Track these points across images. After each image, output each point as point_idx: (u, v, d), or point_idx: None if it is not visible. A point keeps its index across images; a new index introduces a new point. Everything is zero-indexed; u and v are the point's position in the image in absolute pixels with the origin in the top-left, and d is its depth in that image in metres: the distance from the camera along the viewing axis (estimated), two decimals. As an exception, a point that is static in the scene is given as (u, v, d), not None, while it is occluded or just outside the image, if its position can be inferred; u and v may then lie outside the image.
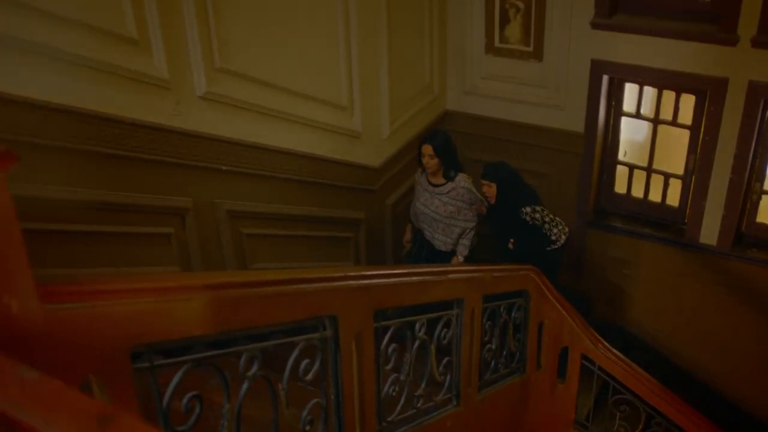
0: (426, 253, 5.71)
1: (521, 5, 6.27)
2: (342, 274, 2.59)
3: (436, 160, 5.24)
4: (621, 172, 6.70)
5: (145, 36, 3.47)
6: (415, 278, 3.23)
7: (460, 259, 5.59)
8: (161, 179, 3.78)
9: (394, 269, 3.51)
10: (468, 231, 5.54)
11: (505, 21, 6.38)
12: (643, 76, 6.12)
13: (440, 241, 5.57)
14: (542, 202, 5.43)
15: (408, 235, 5.94)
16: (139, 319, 1.75)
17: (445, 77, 6.75)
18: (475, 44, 6.60)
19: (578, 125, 6.42)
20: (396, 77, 5.78)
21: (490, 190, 5.25)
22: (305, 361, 2.53)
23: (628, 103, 6.40)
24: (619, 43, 5.98)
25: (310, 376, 2.57)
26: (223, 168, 4.15)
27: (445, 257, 5.62)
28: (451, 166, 5.36)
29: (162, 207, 3.83)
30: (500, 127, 6.78)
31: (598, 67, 6.16)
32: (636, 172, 6.60)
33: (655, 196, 6.61)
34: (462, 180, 5.39)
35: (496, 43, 6.50)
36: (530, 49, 6.39)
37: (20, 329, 1.15)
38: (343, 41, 5.06)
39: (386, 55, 5.57)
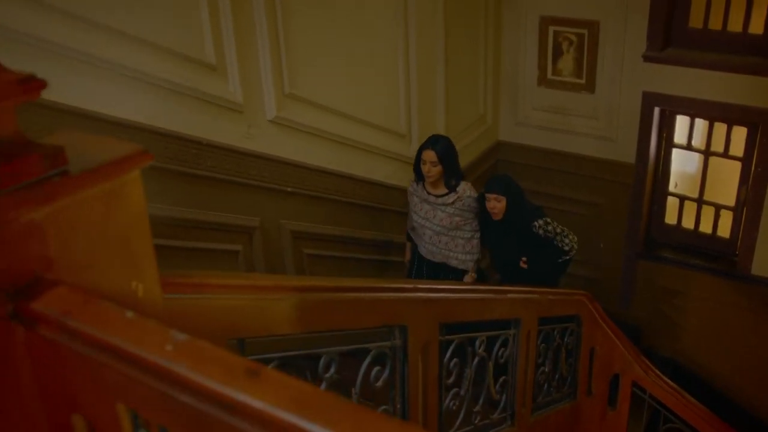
0: (426, 270, 5.19)
1: (574, 39, 6.39)
2: (412, 286, 2.70)
3: (438, 168, 4.71)
4: (671, 203, 6.73)
5: (223, 62, 3.65)
6: (477, 295, 3.32)
7: (474, 276, 5.12)
8: (232, 198, 3.94)
9: (459, 285, 3.59)
10: (473, 242, 5.01)
11: (558, 54, 6.50)
12: (695, 109, 6.17)
13: (442, 255, 5.01)
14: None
15: (408, 255, 5.37)
16: (236, 313, 1.87)
17: (498, 108, 6.88)
18: (527, 76, 6.72)
19: (629, 156, 6.48)
20: (452, 107, 5.92)
21: (499, 205, 4.72)
22: (376, 368, 2.63)
23: (679, 135, 6.45)
24: (671, 75, 6.05)
25: (380, 383, 2.67)
26: (289, 189, 4.31)
27: (448, 273, 5.09)
28: (453, 173, 4.83)
29: (232, 225, 3.99)
30: (552, 158, 6.87)
31: (649, 100, 6.24)
32: (687, 203, 6.62)
33: (705, 227, 6.62)
34: (467, 189, 4.89)
35: (549, 76, 6.62)
36: (582, 81, 6.49)
37: (144, 313, 1.28)
38: (403, 72, 5.21)
39: (443, 86, 5.72)
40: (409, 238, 5.27)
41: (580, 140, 6.71)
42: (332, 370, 2.34)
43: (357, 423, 0.88)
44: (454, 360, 3.19)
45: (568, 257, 4.87)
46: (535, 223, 4.77)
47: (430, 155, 4.68)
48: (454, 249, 4.98)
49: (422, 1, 5.16)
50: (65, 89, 2.92)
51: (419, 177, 4.87)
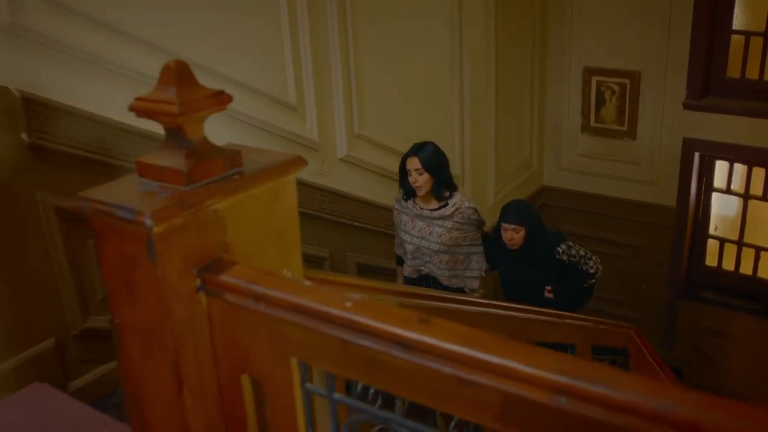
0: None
1: (616, 88, 6.62)
2: (488, 302, 2.88)
3: (425, 177, 4.11)
4: (712, 245, 6.85)
5: (302, 104, 3.92)
6: (540, 317, 3.49)
7: (482, 293, 4.60)
8: (306, 229, 4.15)
9: (525, 306, 3.71)
10: (475, 257, 4.46)
11: (600, 102, 6.72)
12: (733, 154, 6.34)
13: (442, 276, 4.41)
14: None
15: (400, 280, 4.70)
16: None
17: (542, 154, 7.09)
18: (571, 123, 6.94)
19: (670, 200, 6.64)
20: (500, 152, 6.14)
21: (518, 236, 4.35)
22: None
23: (719, 179, 6.60)
24: (710, 122, 6.23)
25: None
26: (356, 224, 4.55)
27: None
28: (443, 183, 4.25)
29: (305, 254, 4.20)
30: (595, 202, 7.04)
31: (689, 145, 6.41)
32: (727, 245, 6.74)
33: (746, 268, 6.71)
34: (463, 199, 4.34)
35: (592, 123, 6.83)
36: (624, 128, 6.70)
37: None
38: (458, 119, 5.47)
39: (493, 132, 5.96)
40: (399, 262, 4.69)
41: (622, 185, 6.89)
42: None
43: (512, 350, 1.08)
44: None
45: (593, 280, 4.60)
46: (558, 248, 4.48)
47: (413, 162, 4.12)
48: (455, 267, 4.42)
49: (475, 52, 5.42)
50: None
51: (407, 193, 4.31)
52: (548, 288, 4.56)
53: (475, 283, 4.48)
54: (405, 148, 4.74)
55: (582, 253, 4.53)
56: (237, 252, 1.45)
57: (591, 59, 6.63)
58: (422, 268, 4.43)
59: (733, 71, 6.21)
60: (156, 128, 2.91)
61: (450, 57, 5.25)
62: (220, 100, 1.42)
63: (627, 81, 6.54)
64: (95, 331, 3.07)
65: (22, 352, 2.80)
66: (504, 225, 4.39)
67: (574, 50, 6.65)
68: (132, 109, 1.41)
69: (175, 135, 1.41)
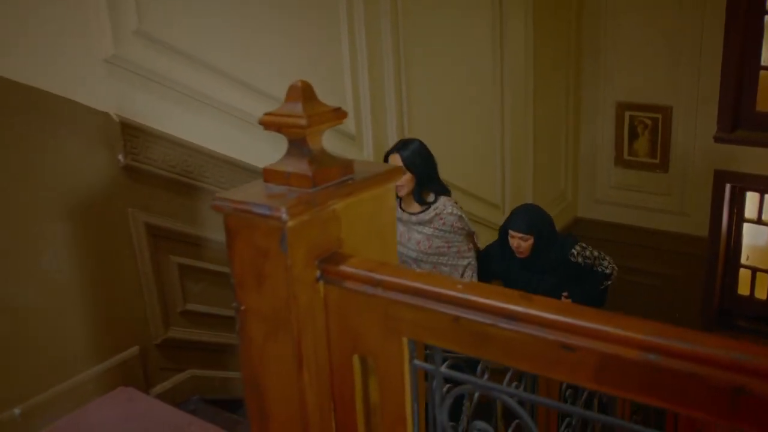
0: None
1: (649, 122, 6.80)
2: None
3: (407, 176, 3.73)
4: (744, 274, 6.96)
5: (360, 133, 4.15)
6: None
7: None
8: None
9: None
10: (466, 271, 3.98)
11: (633, 136, 6.91)
12: (764, 185, 6.48)
13: None
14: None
15: None
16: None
17: (577, 186, 7.27)
18: (605, 156, 7.12)
19: (702, 230, 6.77)
20: (537, 184, 6.34)
21: (525, 244, 4.02)
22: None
23: (750, 210, 6.74)
24: (741, 154, 6.39)
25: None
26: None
27: None
28: (427, 184, 3.85)
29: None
30: (628, 233, 7.18)
31: (720, 177, 6.57)
32: (759, 274, 6.85)
33: (778, 297, 6.84)
34: (448, 205, 3.88)
35: (625, 156, 7.01)
36: (657, 161, 6.87)
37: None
38: (499, 153, 5.69)
39: (531, 163, 6.16)
40: None
41: (654, 216, 7.04)
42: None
43: (606, 318, 1.27)
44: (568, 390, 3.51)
45: (609, 281, 4.33)
46: (573, 250, 4.18)
47: (395, 159, 3.75)
48: None
49: (515, 89, 5.65)
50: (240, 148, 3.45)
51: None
52: (564, 294, 4.27)
53: None
54: (449, 174, 4.94)
55: (596, 254, 4.29)
56: (348, 247, 1.65)
57: (624, 94, 6.83)
58: None
59: (763, 105, 6.38)
60: (234, 153, 3.15)
61: (491, 94, 5.48)
62: (338, 115, 1.63)
63: (659, 115, 6.72)
64: (174, 341, 3.27)
65: (110, 358, 3.01)
66: (511, 232, 4.05)
67: (607, 86, 6.86)
68: (262, 122, 1.62)
69: (300, 145, 1.61)
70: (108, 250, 2.96)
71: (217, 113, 3.31)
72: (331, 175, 1.62)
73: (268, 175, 1.65)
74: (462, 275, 3.90)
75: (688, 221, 6.87)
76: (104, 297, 2.97)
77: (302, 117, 1.57)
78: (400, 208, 3.90)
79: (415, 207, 3.88)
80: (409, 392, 1.58)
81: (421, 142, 3.80)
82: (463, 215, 3.92)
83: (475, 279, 3.95)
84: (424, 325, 1.48)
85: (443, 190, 3.92)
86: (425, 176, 3.80)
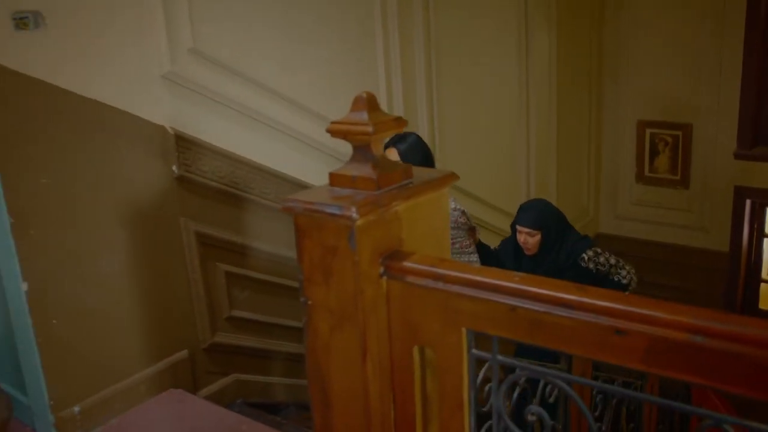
0: None
1: (669, 140, 6.91)
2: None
3: None
4: (765, 289, 7.01)
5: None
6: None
7: None
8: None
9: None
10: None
11: (654, 153, 7.02)
12: (784, 201, 6.58)
13: None
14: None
15: None
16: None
17: (599, 202, 7.38)
18: (626, 173, 7.23)
19: (723, 245, 6.84)
20: (561, 201, 6.44)
21: (532, 239, 3.83)
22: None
23: (771, 225, 6.83)
24: (761, 170, 6.46)
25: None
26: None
27: None
28: None
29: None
30: (649, 248, 7.26)
31: (740, 193, 6.65)
32: (779, 289, 6.94)
33: (799, 311, 6.89)
34: (450, 200, 3.45)
35: (646, 173, 7.12)
36: (678, 177, 6.97)
37: (437, 291, 1.77)
38: (524, 170, 5.83)
39: (555, 179, 6.28)
40: None
41: (675, 231, 7.12)
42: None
43: (654, 304, 1.38)
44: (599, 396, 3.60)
45: (626, 293, 3.80)
46: (584, 255, 3.90)
47: (391, 153, 3.60)
48: None
49: (540, 102, 5.78)
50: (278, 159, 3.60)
51: None
52: None
53: None
54: (477, 189, 5.07)
55: (613, 261, 3.96)
56: (407, 246, 1.77)
57: (644, 113, 6.94)
58: None
59: (781, 122, 6.48)
60: (278, 166, 3.28)
61: (517, 111, 5.63)
62: (399, 123, 1.75)
63: (679, 133, 6.83)
64: (220, 345, 3.40)
65: (160, 361, 3.14)
66: (518, 227, 3.85)
67: (628, 104, 6.98)
68: (329, 130, 1.75)
69: (364, 151, 1.74)
70: (161, 257, 3.10)
71: (264, 127, 3.46)
72: (394, 179, 1.75)
73: (334, 179, 1.77)
74: None
75: (709, 237, 6.95)
76: (156, 301, 3.11)
77: (368, 125, 1.69)
78: None
79: None
80: (467, 380, 1.69)
81: (418, 136, 3.65)
82: (465, 210, 3.74)
83: None
84: (483, 315, 1.59)
85: None
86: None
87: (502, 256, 4.08)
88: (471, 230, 3.81)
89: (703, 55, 6.45)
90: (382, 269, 1.70)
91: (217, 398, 3.37)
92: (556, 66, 5.88)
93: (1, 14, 2.47)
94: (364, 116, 1.72)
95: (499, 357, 1.65)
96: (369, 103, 1.73)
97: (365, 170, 1.73)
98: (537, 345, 1.55)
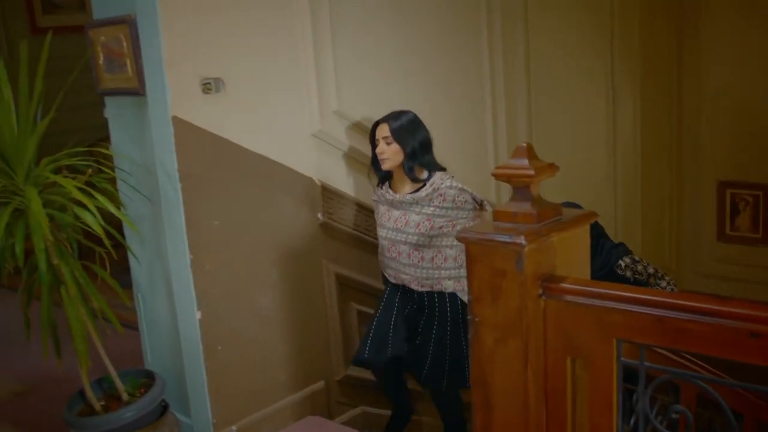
0: (410, 311, 3.46)
1: (750, 199, 7.09)
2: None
3: (393, 148, 3.29)
4: None
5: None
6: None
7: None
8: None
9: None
10: None
11: (735, 212, 7.20)
12: None
13: (428, 279, 3.34)
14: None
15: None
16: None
17: (680, 260, 7.56)
18: (707, 232, 7.40)
19: (807, 302, 6.92)
20: (645, 256, 6.66)
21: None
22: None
23: None
24: None
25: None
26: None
27: (441, 306, 3.38)
28: (418, 159, 3.34)
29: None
30: (731, 305, 7.35)
31: (824, 251, 6.79)
32: None
33: None
34: (446, 179, 3.35)
35: (727, 231, 7.29)
36: (759, 235, 7.11)
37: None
38: (612, 223, 6.10)
39: (640, 239, 6.53)
40: (386, 281, 3.56)
41: (757, 288, 7.22)
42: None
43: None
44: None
45: None
46: (621, 262, 3.74)
47: (382, 130, 3.33)
48: (443, 265, 3.34)
49: (627, 161, 6.10)
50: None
51: (380, 174, 3.46)
52: None
53: None
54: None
55: (651, 270, 3.79)
56: (559, 271, 2.10)
57: (725, 173, 7.14)
58: (403, 275, 3.39)
59: None
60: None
61: (605, 175, 5.95)
62: (552, 168, 2.09)
63: (760, 193, 7.01)
64: (351, 378, 3.73)
65: (302, 389, 3.49)
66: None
67: (708, 166, 7.20)
68: (495, 174, 2.10)
69: (524, 191, 2.07)
70: (305, 295, 3.48)
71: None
72: (548, 215, 2.08)
73: (498, 214, 2.11)
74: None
75: (792, 294, 7.06)
76: (301, 334, 3.47)
77: (530, 169, 2.03)
78: (390, 191, 3.41)
79: (408, 187, 3.37)
80: (616, 386, 1.99)
81: (415, 115, 3.40)
82: (465, 188, 3.37)
83: None
84: (632, 326, 1.88)
85: (437, 167, 3.40)
86: (414, 150, 3.31)
87: None
88: (476, 209, 3.42)
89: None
90: (540, 290, 2.02)
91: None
92: (640, 133, 6.19)
93: (192, 80, 2.93)
94: (525, 162, 2.06)
95: (646, 363, 1.95)
96: (528, 151, 2.08)
97: (525, 207, 2.06)
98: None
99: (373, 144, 3.38)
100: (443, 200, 3.31)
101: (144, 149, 3.12)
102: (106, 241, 2.75)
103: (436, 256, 3.33)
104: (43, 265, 2.59)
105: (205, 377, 3.12)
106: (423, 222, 3.31)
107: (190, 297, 3.05)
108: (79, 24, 6.54)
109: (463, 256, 2.91)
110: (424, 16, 4.02)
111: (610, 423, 2.01)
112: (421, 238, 3.31)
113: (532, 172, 2.04)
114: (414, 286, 3.36)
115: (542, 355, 2.07)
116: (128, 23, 2.93)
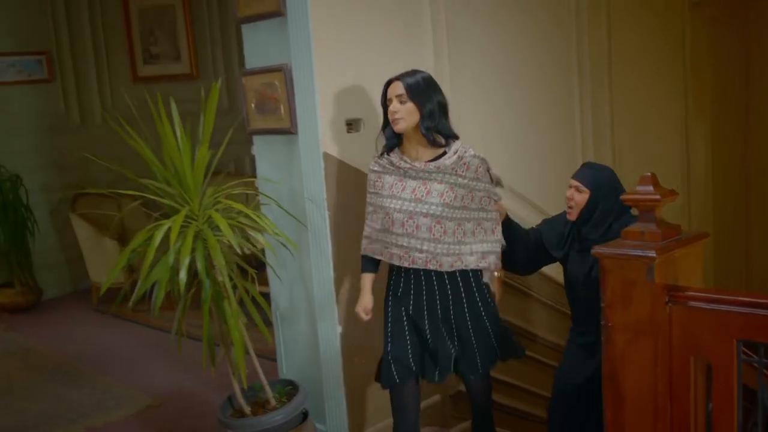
0: (427, 300, 3.11)
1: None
2: None
3: (409, 106, 2.93)
4: None
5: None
6: None
7: (502, 274, 3.35)
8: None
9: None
10: (490, 224, 3.13)
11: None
12: None
13: (449, 256, 3.03)
14: None
15: (367, 298, 3.19)
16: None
17: (750, 289, 7.72)
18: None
19: None
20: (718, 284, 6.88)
21: (578, 196, 3.10)
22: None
23: None
24: None
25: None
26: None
27: (466, 286, 3.12)
28: (435, 122, 2.98)
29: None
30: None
31: None
32: None
33: None
34: (467, 147, 3.07)
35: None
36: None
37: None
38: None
39: (712, 270, 6.77)
40: (367, 267, 3.21)
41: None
42: None
43: None
44: None
45: None
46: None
47: (396, 87, 2.98)
48: (464, 240, 3.06)
49: (702, 209, 6.39)
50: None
51: (389, 141, 3.09)
52: None
53: (495, 260, 3.14)
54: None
55: None
56: (680, 282, 2.41)
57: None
58: (418, 253, 3.02)
59: None
60: (551, 273, 3.94)
61: (680, 201, 6.19)
62: (673, 194, 2.42)
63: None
64: (462, 394, 4.00)
65: (422, 401, 3.77)
66: (571, 180, 3.16)
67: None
68: (624, 199, 2.45)
69: (650, 214, 2.40)
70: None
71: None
72: (670, 234, 2.39)
73: (626, 234, 2.43)
74: (493, 232, 3.14)
75: None
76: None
77: (656, 195, 2.37)
78: (405, 158, 3.04)
79: (427, 154, 3.04)
80: (737, 380, 2.27)
81: (431, 75, 3.08)
82: (486, 159, 3.10)
83: (500, 234, 3.17)
84: (751, 326, 2.19)
85: (454, 134, 3.07)
86: (432, 111, 2.97)
87: (546, 236, 3.37)
88: (496, 181, 3.19)
89: None
90: (667, 297, 2.33)
91: (456, 440, 3.99)
92: (711, 170, 6.48)
93: (340, 121, 3.34)
94: (650, 189, 2.38)
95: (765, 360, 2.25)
96: (653, 179, 2.40)
97: (651, 227, 2.38)
98: None
99: (385, 106, 3.02)
100: (467, 169, 3.02)
101: (291, 181, 3.51)
102: (264, 260, 3.14)
103: (457, 229, 3.02)
104: (210, 281, 2.98)
105: (343, 388, 3.46)
106: (447, 192, 2.99)
107: (332, 312, 3.41)
108: (174, 73, 7.36)
109: (485, 227, 3.07)
110: (527, 59, 4.49)
111: (732, 415, 2.28)
112: (446, 210, 2.99)
113: (657, 197, 2.37)
114: (431, 266, 3.01)
115: (668, 354, 2.35)
116: (284, 71, 3.34)
